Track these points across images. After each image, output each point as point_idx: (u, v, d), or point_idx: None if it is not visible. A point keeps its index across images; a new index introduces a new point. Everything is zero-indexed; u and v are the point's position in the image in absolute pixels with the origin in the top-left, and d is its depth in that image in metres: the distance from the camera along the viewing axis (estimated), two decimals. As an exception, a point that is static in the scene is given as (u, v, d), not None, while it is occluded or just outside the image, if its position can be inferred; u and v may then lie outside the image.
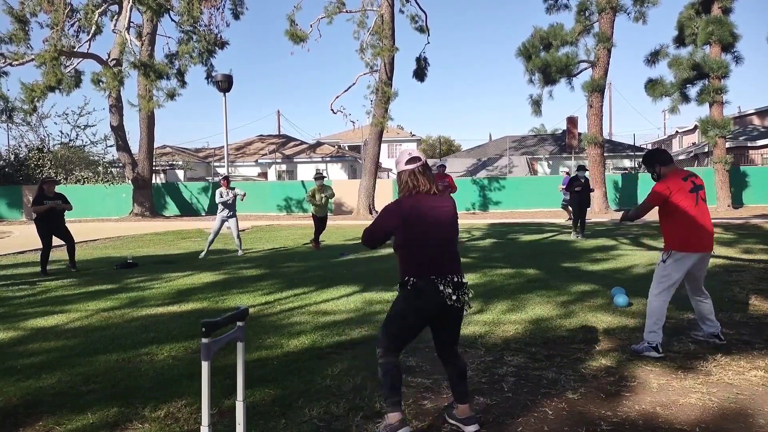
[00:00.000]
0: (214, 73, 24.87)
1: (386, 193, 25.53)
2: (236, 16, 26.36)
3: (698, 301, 4.54)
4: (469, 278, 7.18)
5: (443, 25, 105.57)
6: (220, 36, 26.12)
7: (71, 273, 9.27)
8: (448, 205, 3.05)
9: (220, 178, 11.99)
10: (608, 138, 36.96)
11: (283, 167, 35.91)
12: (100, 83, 21.72)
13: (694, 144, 38.22)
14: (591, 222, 16.19)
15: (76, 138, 32.21)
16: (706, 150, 28.66)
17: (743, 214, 19.41)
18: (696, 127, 34.30)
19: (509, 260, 9.58)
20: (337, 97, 23.83)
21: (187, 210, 28.07)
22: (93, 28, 23.21)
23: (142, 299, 6.86)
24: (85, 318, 5.92)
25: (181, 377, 3.97)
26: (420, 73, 24.67)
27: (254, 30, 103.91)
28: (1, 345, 4.98)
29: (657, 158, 4.53)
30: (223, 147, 19.82)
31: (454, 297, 2.90)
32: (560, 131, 40.67)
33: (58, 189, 10.01)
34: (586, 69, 23.15)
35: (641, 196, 24.21)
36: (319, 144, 39.58)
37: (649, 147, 40.85)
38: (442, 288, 2.87)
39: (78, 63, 23.51)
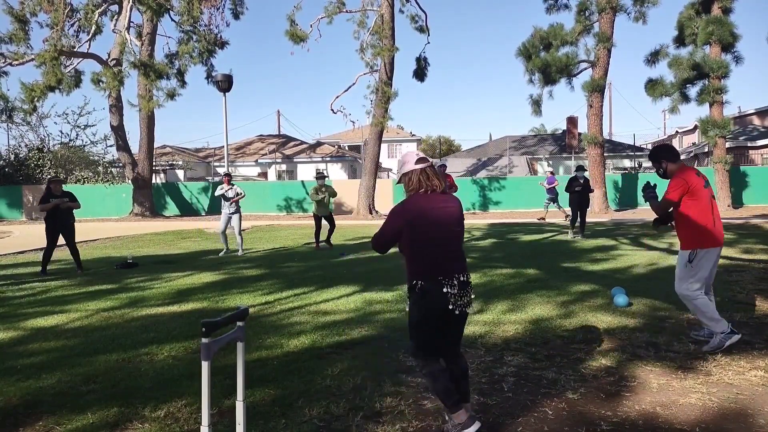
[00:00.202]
0: (214, 73, 24.86)
1: (386, 193, 25.53)
2: (236, 16, 26.39)
3: None
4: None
5: (443, 25, 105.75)
6: (220, 36, 26.17)
7: (71, 273, 9.26)
8: (455, 206, 3.07)
9: (222, 175, 12.03)
10: (608, 138, 36.97)
11: (283, 167, 35.92)
12: (100, 83, 21.73)
13: (694, 144, 38.24)
14: (591, 222, 16.20)
15: (76, 138, 32.16)
16: (706, 150, 28.68)
17: (743, 214, 19.42)
18: (696, 127, 34.32)
19: (509, 260, 9.58)
20: (337, 97, 23.87)
21: (187, 210, 28.06)
22: (93, 28, 23.21)
23: (142, 299, 6.86)
24: (85, 318, 5.93)
25: (181, 377, 3.98)
26: (420, 73, 24.68)
27: (254, 30, 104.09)
28: (1, 345, 4.98)
29: (664, 154, 4.50)
30: (223, 147, 19.82)
31: (458, 302, 2.90)
32: (560, 131, 40.68)
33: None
34: (586, 69, 23.15)
35: (641, 196, 24.17)
36: (319, 144, 39.57)
37: (650, 147, 40.83)
38: (447, 290, 2.87)
39: (78, 63, 23.53)
